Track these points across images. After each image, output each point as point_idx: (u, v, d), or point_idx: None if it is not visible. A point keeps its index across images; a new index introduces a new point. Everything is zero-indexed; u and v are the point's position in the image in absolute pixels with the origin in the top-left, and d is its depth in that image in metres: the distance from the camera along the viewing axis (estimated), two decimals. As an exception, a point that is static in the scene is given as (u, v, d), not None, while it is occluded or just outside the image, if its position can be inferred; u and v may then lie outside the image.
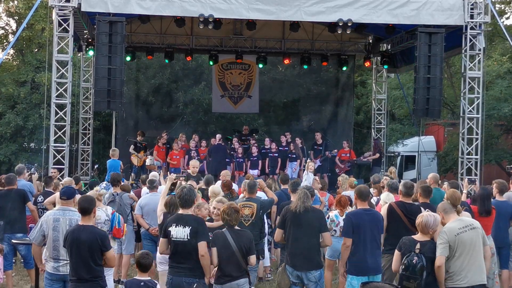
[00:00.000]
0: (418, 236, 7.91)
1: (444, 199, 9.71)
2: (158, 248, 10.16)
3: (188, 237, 7.94)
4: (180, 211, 8.27)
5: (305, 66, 26.09)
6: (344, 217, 10.10)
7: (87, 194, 9.34)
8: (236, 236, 8.18)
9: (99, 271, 7.87)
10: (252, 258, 8.37)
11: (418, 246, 7.74)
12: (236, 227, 8.32)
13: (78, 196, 9.04)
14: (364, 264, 8.66)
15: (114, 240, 10.35)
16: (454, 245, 7.69)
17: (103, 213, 9.80)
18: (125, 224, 10.12)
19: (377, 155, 23.48)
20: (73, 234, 7.80)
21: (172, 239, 8.03)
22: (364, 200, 9.04)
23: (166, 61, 25.20)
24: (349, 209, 11.34)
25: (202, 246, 7.95)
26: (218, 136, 22.83)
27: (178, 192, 8.40)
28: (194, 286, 7.89)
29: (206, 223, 8.62)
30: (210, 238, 8.23)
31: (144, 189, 14.08)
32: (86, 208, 7.89)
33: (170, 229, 8.07)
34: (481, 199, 11.06)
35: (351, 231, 8.70)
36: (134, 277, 8.11)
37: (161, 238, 8.30)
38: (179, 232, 7.99)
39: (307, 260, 8.84)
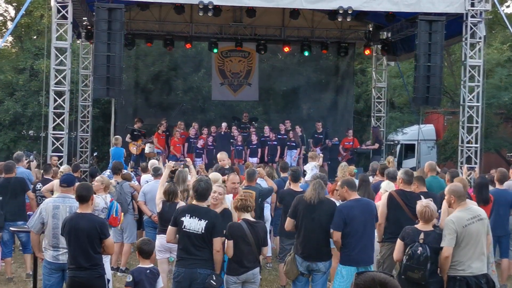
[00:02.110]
0: (420, 226, 7.83)
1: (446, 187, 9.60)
2: (157, 235, 10.18)
3: (203, 231, 7.80)
4: (194, 202, 8.15)
5: (306, 52, 25.74)
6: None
7: (85, 182, 9.30)
8: (252, 228, 8.14)
9: (98, 259, 7.85)
10: (265, 250, 8.39)
11: (422, 236, 7.67)
12: (250, 218, 8.28)
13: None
14: (354, 255, 8.55)
15: (111, 228, 10.31)
16: (461, 236, 7.61)
17: (102, 200, 9.77)
18: (122, 214, 10.08)
19: (376, 145, 23.45)
20: (71, 221, 7.76)
21: (185, 230, 7.86)
22: (354, 190, 8.90)
23: (169, 43, 24.93)
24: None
25: (218, 242, 7.85)
26: (224, 124, 22.83)
27: (194, 184, 8.27)
28: (214, 278, 7.81)
29: None
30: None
31: (144, 177, 14.07)
32: (84, 196, 7.85)
33: (183, 219, 7.89)
34: (479, 188, 11.06)
35: (342, 224, 8.52)
36: (139, 265, 8.09)
37: (169, 227, 8.11)
38: (193, 224, 7.84)
39: (318, 251, 8.78)
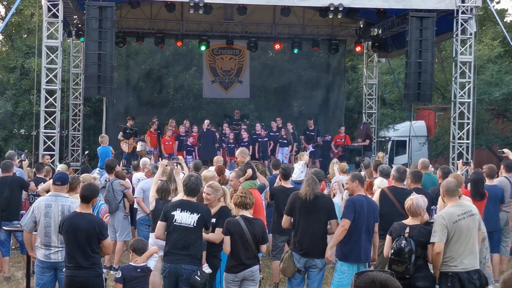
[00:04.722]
0: (408, 220, 7.91)
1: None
2: (150, 234, 10.17)
3: (195, 224, 7.89)
4: (185, 198, 8.21)
5: (296, 50, 25.81)
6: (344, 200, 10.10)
7: (91, 182, 9.28)
8: (250, 224, 8.17)
9: (97, 258, 7.89)
10: (263, 247, 8.39)
11: (407, 230, 7.74)
12: (248, 215, 8.30)
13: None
14: (357, 252, 8.60)
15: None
16: (452, 232, 7.65)
17: None
18: (107, 215, 10.05)
19: (367, 141, 23.48)
20: (70, 221, 7.77)
21: (175, 223, 7.92)
22: (363, 186, 8.96)
23: (160, 41, 24.86)
24: (344, 193, 11.33)
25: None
26: (207, 121, 22.76)
27: (185, 180, 8.34)
28: (198, 274, 7.84)
29: None
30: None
31: (135, 175, 14.03)
32: (87, 196, 7.88)
33: (173, 213, 7.96)
34: (474, 183, 11.09)
35: (352, 214, 8.56)
36: (129, 263, 8.13)
37: (159, 222, 8.15)
38: (185, 218, 7.91)
39: (315, 247, 8.76)
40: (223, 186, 9.33)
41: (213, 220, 8.41)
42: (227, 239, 8.07)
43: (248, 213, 8.31)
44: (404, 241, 7.64)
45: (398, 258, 7.64)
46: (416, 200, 7.88)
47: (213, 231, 8.42)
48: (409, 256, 7.58)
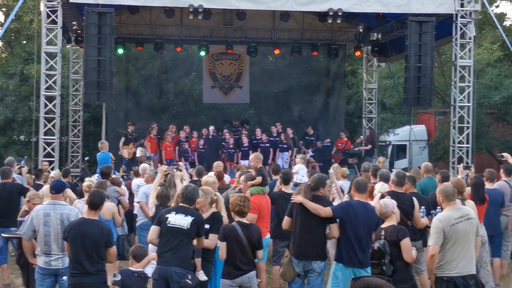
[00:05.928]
0: (384, 224, 7.98)
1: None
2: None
3: (189, 226, 7.94)
4: (181, 204, 8.25)
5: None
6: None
7: (98, 189, 9.28)
8: (246, 230, 8.19)
9: (103, 265, 7.95)
10: (260, 253, 8.40)
11: (382, 232, 7.83)
12: (244, 220, 8.30)
13: (68, 190, 9.00)
14: (350, 255, 8.45)
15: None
16: (448, 235, 7.60)
17: (82, 206, 9.73)
18: None
19: (369, 146, 23.47)
20: (78, 227, 7.82)
21: (169, 225, 7.97)
22: (362, 192, 8.78)
23: (159, 47, 24.79)
24: (344, 198, 11.30)
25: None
26: (212, 128, 22.76)
27: (182, 190, 8.45)
28: (189, 278, 7.86)
29: None
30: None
31: (135, 181, 14.00)
32: (95, 203, 7.96)
33: (167, 215, 8.04)
34: (475, 187, 11.09)
35: (339, 211, 8.55)
36: (128, 268, 8.16)
37: (152, 226, 8.25)
38: (179, 219, 7.97)
39: (313, 250, 8.78)
40: (216, 193, 9.34)
41: (207, 226, 8.43)
42: (223, 245, 8.09)
43: (244, 220, 8.30)
44: (377, 243, 7.74)
45: (373, 261, 7.77)
46: (382, 202, 8.01)
47: (206, 237, 8.42)
48: (381, 257, 7.66)
